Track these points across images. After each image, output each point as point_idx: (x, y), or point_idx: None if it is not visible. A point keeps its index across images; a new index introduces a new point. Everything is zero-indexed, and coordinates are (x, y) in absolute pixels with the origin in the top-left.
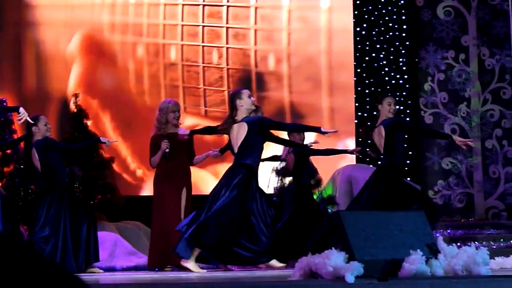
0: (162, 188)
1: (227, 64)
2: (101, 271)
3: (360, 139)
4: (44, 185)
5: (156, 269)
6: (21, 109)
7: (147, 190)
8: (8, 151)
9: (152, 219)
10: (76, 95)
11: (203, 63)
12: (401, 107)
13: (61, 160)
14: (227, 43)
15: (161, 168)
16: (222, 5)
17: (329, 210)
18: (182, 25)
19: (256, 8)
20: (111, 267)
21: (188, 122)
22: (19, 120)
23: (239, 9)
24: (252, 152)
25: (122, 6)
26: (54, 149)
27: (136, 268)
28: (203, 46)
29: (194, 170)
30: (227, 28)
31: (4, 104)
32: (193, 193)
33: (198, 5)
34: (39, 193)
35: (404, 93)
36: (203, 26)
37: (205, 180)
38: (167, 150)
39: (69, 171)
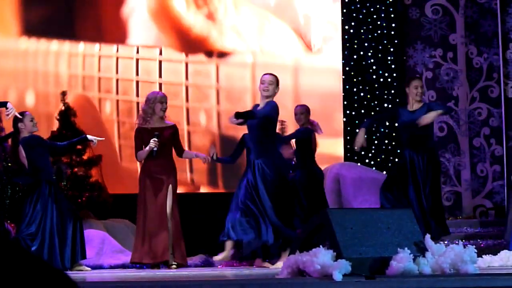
0: (147, 184)
1: None
2: (89, 269)
3: (348, 137)
4: (31, 182)
5: (145, 266)
6: (9, 104)
7: (135, 187)
8: None
9: (137, 216)
10: (64, 93)
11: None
12: (389, 105)
13: (48, 158)
14: None
15: (147, 164)
16: (154, 60)
17: None
18: (117, 79)
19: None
20: (98, 265)
21: None
22: (7, 115)
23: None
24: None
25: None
26: (41, 147)
27: (124, 266)
28: (137, 102)
29: (180, 167)
30: (160, 84)
31: None
32: (178, 191)
33: (132, 58)
34: (26, 190)
35: (392, 91)
36: (137, 81)
37: (189, 177)
38: (155, 149)
39: (57, 168)
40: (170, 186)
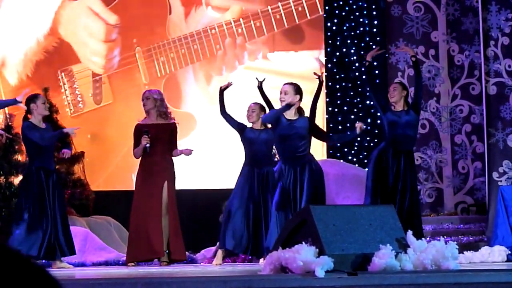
0: (142, 182)
1: None
2: (71, 266)
3: (331, 134)
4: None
5: (140, 263)
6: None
7: (118, 184)
8: None
9: (132, 213)
10: (46, 89)
11: None
12: (371, 103)
13: (41, 147)
14: None
15: (143, 161)
16: None
17: None
18: None
19: None
20: (81, 263)
21: None
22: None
23: None
24: None
25: None
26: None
27: (107, 263)
28: None
29: (178, 164)
30: None
31: None
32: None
33: None
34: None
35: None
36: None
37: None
38: (147, 145)
39: None
40: (166, 182)
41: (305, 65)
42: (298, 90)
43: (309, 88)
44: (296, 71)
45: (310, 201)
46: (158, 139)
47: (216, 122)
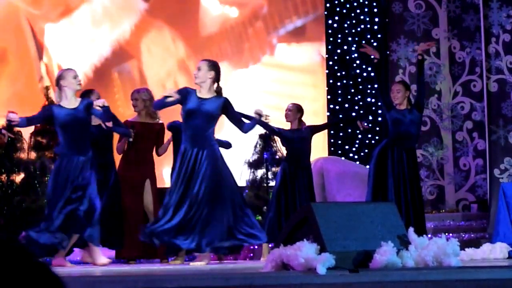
0: (125, 178)
1: None
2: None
3: (332, 132)
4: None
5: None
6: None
7: None
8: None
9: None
10: (47, 87)
11: None
12: (373, 100)
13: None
14: None
15: (125, 158)
16: None
17: None
18: None
19: None
20: (79, 261)
21: None
22: None
23: None
24: None
25: None
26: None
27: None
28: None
29: (161, 163)
30: None
31: None
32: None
33: None
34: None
35: (375, 86)
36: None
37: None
38: (130, 140)
39: (40, 163)
40: (148, 180)
41: (307, 58)
42: (300, 109)
43: (310, 81)
44: (298, 64)
45: None
46: (143, 136)
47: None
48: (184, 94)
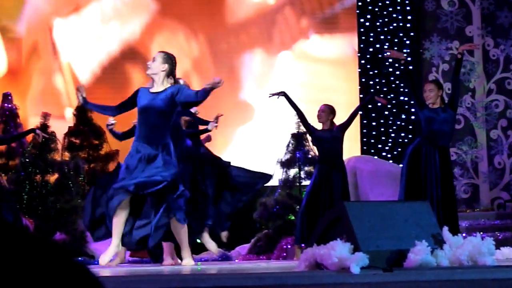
0: None
1: None
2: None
3: (364, 131)
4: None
5: (144, 260)
6: (38, 131)
7: None
8: (13, 145)
9: None
10: None
11: None
12: (405, 98)
13: None
14: None
15: None
16: None
17: None
18: None
19: None
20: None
21: None
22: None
23: None
24: None
25: None
26: None
27: (142, 261)
28: None
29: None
30: None
31: (9, 97)
32: None
33: None
34: None
35: (408, 84)
36: None
37: None
38: None
39: (74, 163)
40: None
41: (339, 50)
42: (332, 111)
43: (341, 74)
44: (330, 55)
45: None
46: None
47: (273, 115)
48: (134, 97)
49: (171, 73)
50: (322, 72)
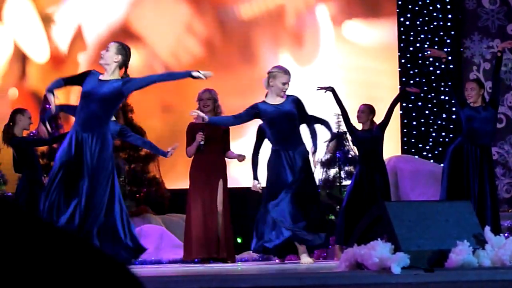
0: (197, 180)
1: None
2: None
3: (405, 130)
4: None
5: (196, 260)
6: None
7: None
8: (55, 146)
9: (187, 211)
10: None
11: None
12: (446, 98)
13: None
14: None
15: (197, 160)
16: None
17: None
18: None
19: None
20: (157, 260)
21: None
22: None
23: None
24: None
25: None
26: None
27: (183, 261)
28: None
29: (231, 163)
30: None
31: None
32: (229, 186)
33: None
34: None
35: (449, 83)
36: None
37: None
38: (202, 143)
39: (116, 164)
40: (221, 181)
41: (380, 38)
42: (372, 110)
43: (378, 67)
44: (369, 43)
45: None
46: (211, 138)
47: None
48: (83, 77)
49: (123, 64)
50: (364, 72)
